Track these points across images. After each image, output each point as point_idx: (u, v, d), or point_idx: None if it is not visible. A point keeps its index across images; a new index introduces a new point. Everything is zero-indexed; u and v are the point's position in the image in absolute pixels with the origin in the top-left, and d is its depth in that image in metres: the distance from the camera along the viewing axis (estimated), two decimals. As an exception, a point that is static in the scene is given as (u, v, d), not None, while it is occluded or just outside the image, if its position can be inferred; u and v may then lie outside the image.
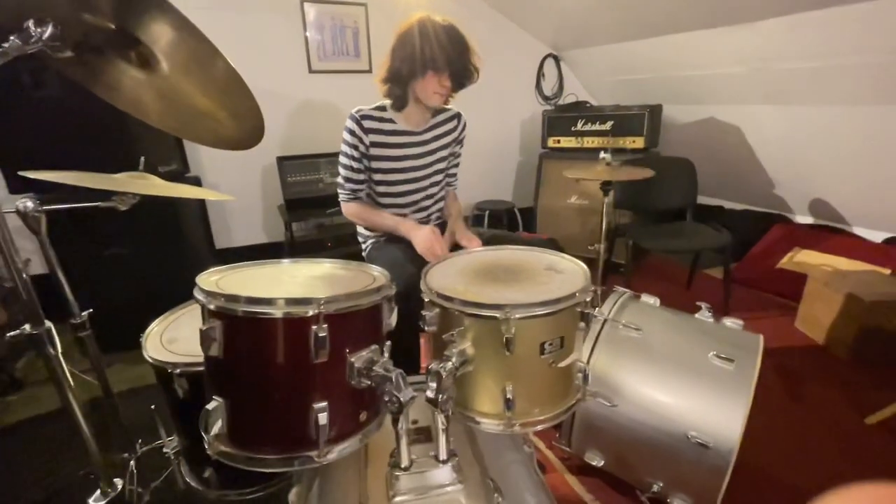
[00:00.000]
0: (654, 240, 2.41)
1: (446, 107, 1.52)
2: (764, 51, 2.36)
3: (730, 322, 1.33)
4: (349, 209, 1.53)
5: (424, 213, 1.60)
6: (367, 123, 1.42)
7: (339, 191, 1.52)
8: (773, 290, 2.69)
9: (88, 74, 0.89)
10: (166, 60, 0.85)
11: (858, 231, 2.77)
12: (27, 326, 0.71)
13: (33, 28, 0.64)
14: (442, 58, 1.31)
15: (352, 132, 1.42)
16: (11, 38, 0.64)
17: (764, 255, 2.91)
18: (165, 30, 0.77)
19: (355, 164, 1.45)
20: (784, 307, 2.50)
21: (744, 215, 3.32)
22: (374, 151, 1.44)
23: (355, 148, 1.43)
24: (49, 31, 0.64)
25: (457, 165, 1.67)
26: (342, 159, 1.47)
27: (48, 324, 0.72)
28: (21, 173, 0.98)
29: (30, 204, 1.00)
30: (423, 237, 1.31)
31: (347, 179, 1.48)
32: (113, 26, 0.76)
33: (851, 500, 0.24)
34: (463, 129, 1.59)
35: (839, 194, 2.75)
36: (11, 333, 0.72)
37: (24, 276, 0.67)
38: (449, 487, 0.80)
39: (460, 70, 1.36)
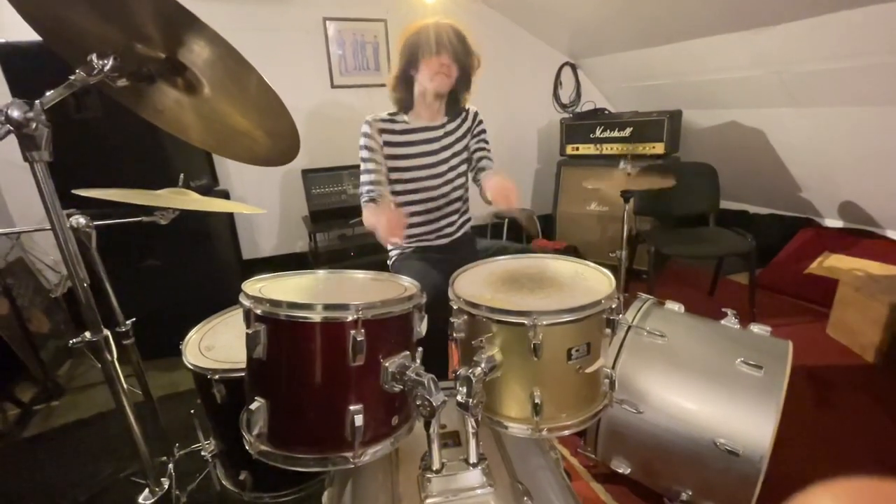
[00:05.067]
0: (676, 246, 2.39)
1: (464, 106, 1.57)
2: (784, 54, 2.33)
3: (757, 328, 1.32)
4: (364, 219, 1.45)
5: (442, 212, 1.60)
6: (378, 125, 1.49)
7: (361, 200, 1.52)
8: (801, 295, 2.63)
9: (137, 99, 0.96)
10: (207, 82, 0.90)
11: (891, 234, 2.69)
12: (87, 334, 0.77)
13: (96, 61, 0.70)
14: (439, 41, 1.38)
15: (365, 133, 1.49)
16: (77, 70, 0.70)
17: (791, 259, 2.84)
18: (202, 48, 0.80)
19: (371, 165, 1.49)
20: (814, 313, 2.44)
21: (769, 219, 3.26)
22: (387, 151, 1.50)
23: (370, 149, 1.49)
24: (110, 63, 0.70)
25: (483, 158, 1.60)
26: (361, 164, 1.51)
27: (106, 331, 0.78)
28: (75, 191, 1.06)
29: (82, 220, 1.08)
30: (383, 221, 1.22)
31: (364, 182, 1.50)
32: (163, 55, 0.82)
33: (835, 493, 0.25)
34: (475, 120, 1.61)
35: (869, 197, 2.67)
36: (74, 340, 0.78)
37: (86, 285, 0.73)
38: (479, 490, 0.81)
39: (459, 52, 1.42)
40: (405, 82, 1.47)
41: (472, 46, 1.45)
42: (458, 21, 1.44)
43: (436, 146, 1.54)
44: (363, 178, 1.52)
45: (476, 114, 1.62)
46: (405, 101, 1.50)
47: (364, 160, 1.51)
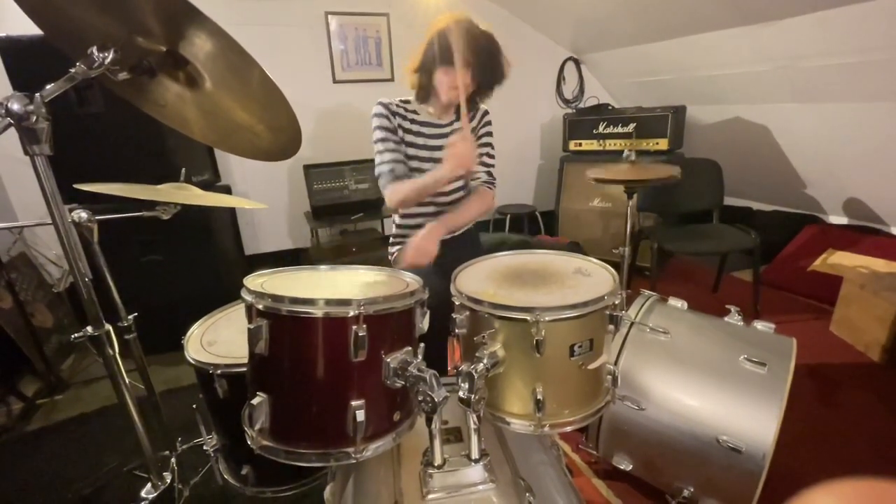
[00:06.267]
0: (679, 242, 2.38)
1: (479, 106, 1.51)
2: (790, 48, 2.31)
3: (761, 325, 1.31)
4: (391, 195, 1.41)
5: (446, 210, 1.54)
6: (392, 108, 1.43)
7: (380, 183, 1.45)
8: (805, 292, 2.61)
9: (138, 94, 0.95)
10: (209, 76, 0.90)
11: (896, 231, 2.68)
12: (89, 328, 0.77)
13: (96, 54, 0.70)
14: (464, 56, 1.29)
15: (379, 114, 1.42)
16: (78, 63, 0.70)
17: (795, 256, 2.83)
18: (204, 42, 0.80)
19: (391, 145, 1.42)
20: (817, 310, 2.43)
21: (773, 216, 3.24)
22: (399, 134, 1.45)
23: (385, 129, 1.42)
24: (111, 56, 0.70)
25: (485, 164, 1.57)
26: (376, 145, 1.43)
27: (107, 326, 0.78)
28: (76, 186, 1.06)
29: (83, 214, 1.08)
30: (458, 149, 1.25)
31: (386, 161, 1.43)
32: (164, 48, 0.82)
33: (836, 495, 0.24)
34: (481, 120, 1.55)
35: (875, 193, 2.66)
36: (76, 335, 0.78)
37: (88, 280, 0.72)
38: (481, 486, 0.81)
39: (483, 71, 1.35)
40: (425, 71, 1.39)
41: (503, 61, 1.38)
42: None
43: (441, 142, 1.51)
44: (383, 157, 1.42)
45: (485, 114, 1.56)
46: (423, 90, 1.43)
47: (382, 140, 1.42)
